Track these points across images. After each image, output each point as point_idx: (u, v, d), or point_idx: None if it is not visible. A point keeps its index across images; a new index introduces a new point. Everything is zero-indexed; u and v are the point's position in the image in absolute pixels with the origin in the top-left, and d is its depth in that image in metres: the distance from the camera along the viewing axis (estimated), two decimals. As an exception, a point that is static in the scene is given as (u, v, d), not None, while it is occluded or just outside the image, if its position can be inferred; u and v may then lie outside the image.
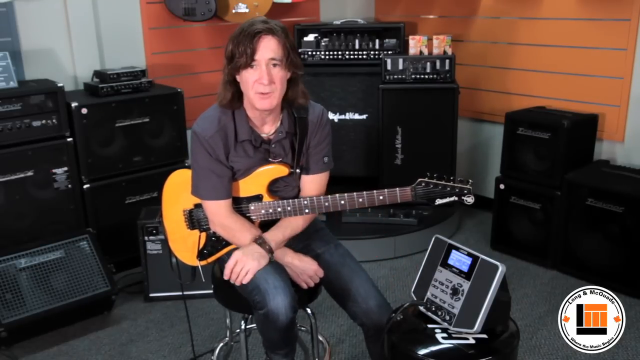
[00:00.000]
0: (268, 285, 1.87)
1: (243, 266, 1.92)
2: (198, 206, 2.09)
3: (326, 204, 1.99)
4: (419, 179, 1.91)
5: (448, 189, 1.88)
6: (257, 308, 1.89)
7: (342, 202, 1.98)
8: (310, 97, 2.07)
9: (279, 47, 1.88)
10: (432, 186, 1.88)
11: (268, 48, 1.87)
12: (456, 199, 1.88)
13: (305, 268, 2.03)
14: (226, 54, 1.91)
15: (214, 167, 1.96)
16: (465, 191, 1.88)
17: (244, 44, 1.85)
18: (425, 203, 1.90)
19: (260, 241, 1.97)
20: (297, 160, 2.03)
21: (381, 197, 1.92)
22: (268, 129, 2.02)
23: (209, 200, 2.00)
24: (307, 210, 2.00)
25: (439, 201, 1.89)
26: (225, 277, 1.97)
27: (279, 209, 2.01)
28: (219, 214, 2.00)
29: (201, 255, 2.10)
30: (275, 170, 2.03)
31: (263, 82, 1.87)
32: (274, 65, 1.88)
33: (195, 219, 2.11)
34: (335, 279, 2.05)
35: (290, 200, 2.01)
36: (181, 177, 2.15)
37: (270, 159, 2.03)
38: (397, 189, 1.91)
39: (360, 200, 1.96)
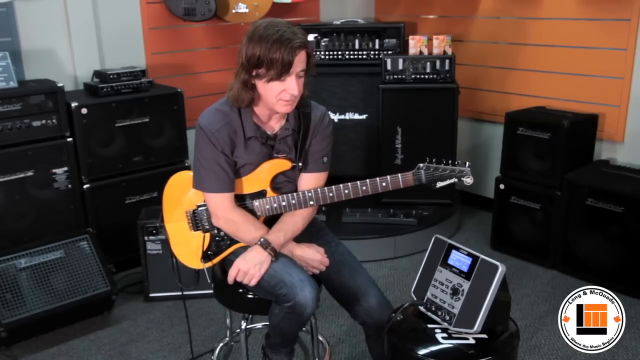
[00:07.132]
0: (293, 278, 1.88)
1: (246, 274, 1.94)
2: (201, 206, 2.09)
3: (330, 194, 2.00)
4: (419, 164, 1.94)
5: (447, 171, 1.91)
6: (282, 302, 1.88)
7: (346, 191, 1.98)
8: (310, 97, 2.09)
9: (307, 58, 1.91)
10: (432, 170, 1.91)
11: (301, 62, 1.89)
12: (456, 180, 1.92)
13: (311, 260, 2.03)
14: (247, 56, 1.87)
15: (218, 160, 1.96)
16: (465, 172, 1.91)
17: (279, 56, 1.82)
18: (427, 187, 1.93)
19: (263, 242, 1.96)
20: (300, 155, 2.04)
21: (384, 184, 1.93)
22: (273, 126, 2.04)
23: (213, 193, 1.99)
24: (311, 202, 2.00)
25: (440, 184, 1.92)
26: (230, 283, 1.99)
27: (284, 203, 2.01)
28: (223, 207, 2.00)
29: (206, 256, 2.09)
30: (278, 164, 2.04)
31: (294, 93, 1.89)
32: (301, 76, 1.92)
33: (199, 220, 2.10)
34: (336, 278, 2.06)
35: (294, 193, 2.02)
36: (182, 179, 2.15)
37: (274, 154, 2.04)
38: (399, 174, 1.93)
39: (364, 188, 1.97)
